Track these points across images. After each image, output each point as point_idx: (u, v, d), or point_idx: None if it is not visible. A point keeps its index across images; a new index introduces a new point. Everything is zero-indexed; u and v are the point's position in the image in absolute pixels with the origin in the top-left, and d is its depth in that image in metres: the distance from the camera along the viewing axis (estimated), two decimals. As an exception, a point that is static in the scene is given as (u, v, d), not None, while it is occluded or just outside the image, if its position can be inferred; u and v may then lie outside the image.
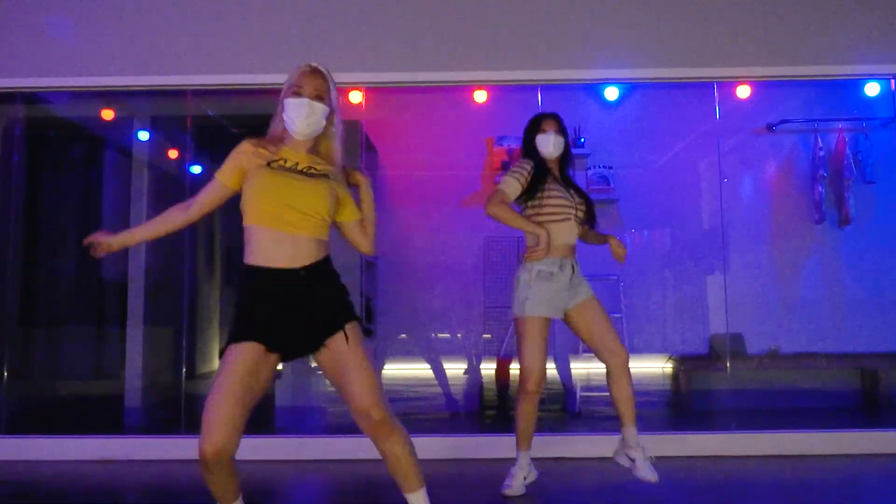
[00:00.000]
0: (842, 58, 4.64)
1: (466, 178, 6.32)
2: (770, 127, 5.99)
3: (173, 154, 6.25)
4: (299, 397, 5.38)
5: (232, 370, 2.22)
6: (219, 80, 4.60)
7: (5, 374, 4.77)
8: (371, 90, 5.06)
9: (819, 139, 5.81)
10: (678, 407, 5.68)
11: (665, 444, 4.19)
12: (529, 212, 3.40)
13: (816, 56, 4.66)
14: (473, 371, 5.99)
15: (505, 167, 5.89)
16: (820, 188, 5.81)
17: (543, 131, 3.43)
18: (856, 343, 5.67)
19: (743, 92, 5.20)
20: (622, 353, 3.32)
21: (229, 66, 4.58)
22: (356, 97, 5.37)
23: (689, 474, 3.81)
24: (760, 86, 5.10)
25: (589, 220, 3.52)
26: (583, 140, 6.01)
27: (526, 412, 3.33)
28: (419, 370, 5.91)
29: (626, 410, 3.32)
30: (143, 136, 6.00)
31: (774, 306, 5.94)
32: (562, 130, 3.47)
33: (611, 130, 5.95)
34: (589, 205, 3.51)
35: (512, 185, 3.33)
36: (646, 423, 5.15)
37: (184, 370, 5.39)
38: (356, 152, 5.43)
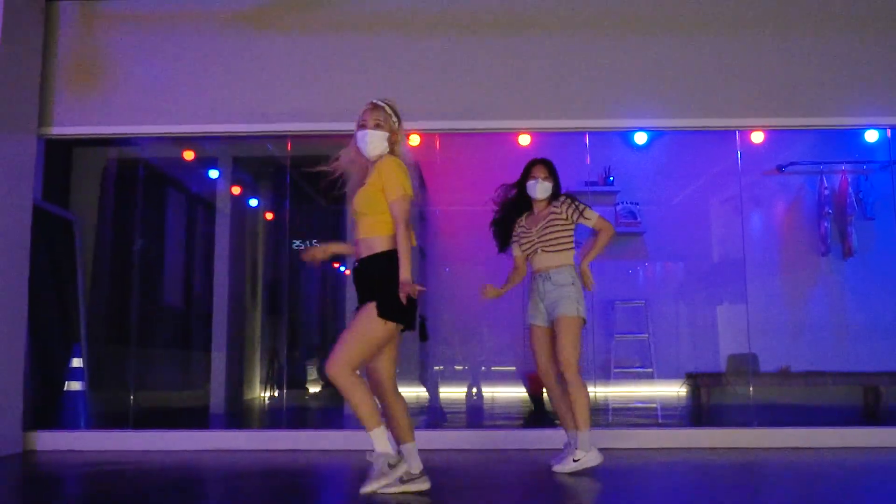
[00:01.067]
0: (846, 109, 5.32)
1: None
2: (780, 168, 6.69)
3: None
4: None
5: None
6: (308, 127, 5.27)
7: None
8: (426, 135, 5.78)
9: (824, 179, 6.51)
10: (699, 414, 6.31)
11: (692, 437, 4.82)
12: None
13: (823, 108, 5.32)
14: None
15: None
16: (825, 223, 6.49)
17: (533, 178, 3.99)
18: (859, 362, 6.29)
19: (757, 137, 5.90)
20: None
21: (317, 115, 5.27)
22: (414, 140, 6.10)
23: (709, 462, 4.41)
24: (773, 132, 5.80)
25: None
26: (612, 179, 6.71)
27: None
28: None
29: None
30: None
31: (785, 329, 6.59)
32: (551, 175, 4.02)
33: (638, 170, 6.65)
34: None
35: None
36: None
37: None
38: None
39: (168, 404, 6.72)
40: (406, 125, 3.38)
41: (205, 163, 6.54)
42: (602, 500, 3.36)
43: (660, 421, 5.99)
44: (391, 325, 3.04)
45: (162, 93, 5.26)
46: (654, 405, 6.10)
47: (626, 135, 6.41)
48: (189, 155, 6.51)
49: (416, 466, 3.14)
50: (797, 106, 5.32)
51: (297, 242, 8.05)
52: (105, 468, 4.12)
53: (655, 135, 6.27)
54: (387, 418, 3.15)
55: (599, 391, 6.56)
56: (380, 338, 3.05)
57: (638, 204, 6.74)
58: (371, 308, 3.02)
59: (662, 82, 5.30)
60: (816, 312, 6.63)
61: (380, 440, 3.03)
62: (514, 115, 5.41)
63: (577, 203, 3.97)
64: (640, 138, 6.22)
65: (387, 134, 3.17)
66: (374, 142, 3.14)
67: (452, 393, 6.69)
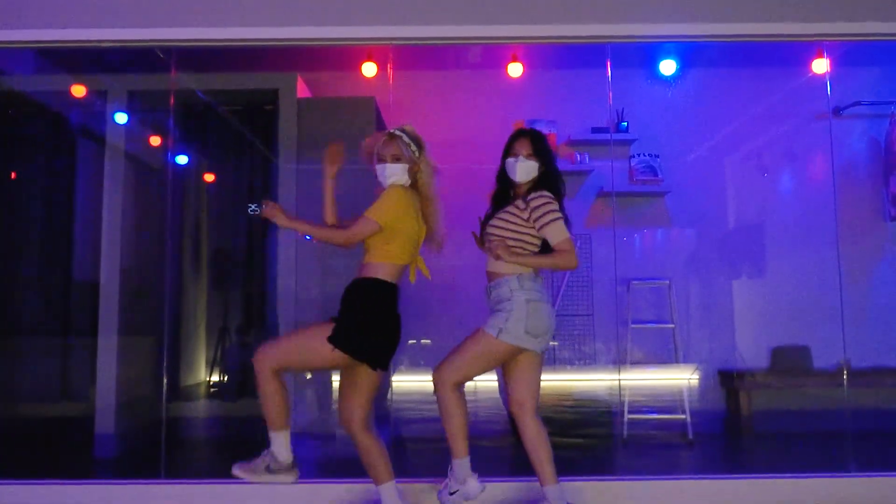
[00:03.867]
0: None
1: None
2: (838, 111, 5.28)
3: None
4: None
5: None
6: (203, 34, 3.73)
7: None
8: (388, 60, 4.29)
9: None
10: (738, 432, 4.96)
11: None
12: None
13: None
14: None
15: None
16: (894, 178, 5.11)
17: (514, 155, 3.09)
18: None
19: (819, 67, 4.53)
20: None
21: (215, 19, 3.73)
22: (370, 70, 4.62)
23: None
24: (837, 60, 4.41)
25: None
26: (626, 124, 5.27)
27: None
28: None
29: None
30: (121, 118, 5.18)
31: (843, 315, 5.22)
32: (539, 152, 3.08)
33: (660, 113, 5.21)
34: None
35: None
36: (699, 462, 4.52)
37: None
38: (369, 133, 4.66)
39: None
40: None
41: (94, 98, 5.03)
42: None
43: (690, 438, 4.62)
44: (337, 353, 2.86)
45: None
46: (683, 416, 4.71)
47: (647, 63, 4.99)
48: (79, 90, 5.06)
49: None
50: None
51: (254, 206, 6.95)
52: None
53: (685, 64, 4.88)
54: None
55: (611, 390, 5.22)
56: (316, 359, 2.97)
57: (658, 157, 5.31)
58: (327, 327, 2.89)
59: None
60: (882, 293, 5.26)
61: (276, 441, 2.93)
62: (499, 19, 3.83)
63: (551, 208, 2.94)
64: (668, 67, 4.81)
65: (406, 166, 2.99)
66: (393, 175, 2.98)
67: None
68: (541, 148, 3.10)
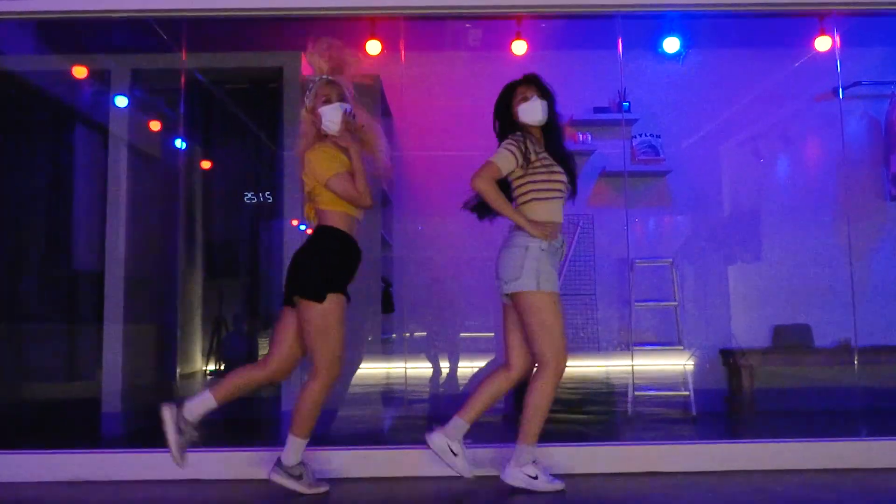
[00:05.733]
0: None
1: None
2: (837, 91, 5.28)
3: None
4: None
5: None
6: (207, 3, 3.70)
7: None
8: (396, 39, 4.30)
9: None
10: (740, 409, 4.98)
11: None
12: (518, 186, 3.07)
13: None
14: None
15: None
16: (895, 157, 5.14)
17: (525, 99, 3.08)
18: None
19: (822, 44, 4.56)
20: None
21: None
22: (374, 48, 4.61)
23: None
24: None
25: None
26: (627, 104, 5.28)
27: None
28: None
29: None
30: (121, 101, 5.14)
31: (844, 294, 5.24)
32: (545, 94, 3.12)
33: (662, 93, 5.22)
34: (574, 181, 3.17)
35: (505, 159, 2.99)
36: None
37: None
38: (373, 112, 4.64)
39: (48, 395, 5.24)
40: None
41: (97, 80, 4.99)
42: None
43: (694, 414, 4.64)
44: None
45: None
46: (686, 393, 4.73)
47: (651, 43, 4.99)
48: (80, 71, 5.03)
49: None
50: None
51: (250, 195, 6.87)
52: None
53: (688, 44, 4.89)
54: None
55: (614, 371, 5.24)
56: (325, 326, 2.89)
57: (660, 137, 5.32)
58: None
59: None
60: (883, 272, 5.29)
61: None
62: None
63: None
64: (671, 45, 4.82)
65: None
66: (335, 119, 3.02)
67: (421, 370, 5.29)
68: (548, 89, 3.13)
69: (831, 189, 5.39)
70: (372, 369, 5.35)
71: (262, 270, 6.81)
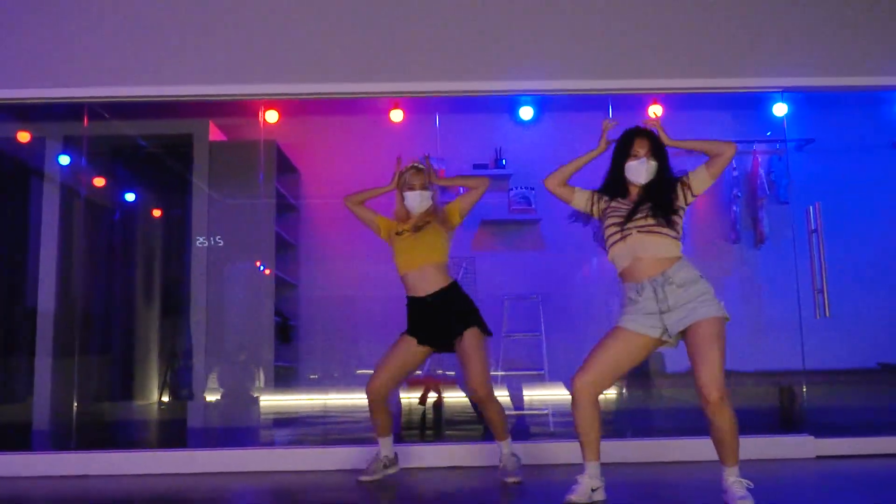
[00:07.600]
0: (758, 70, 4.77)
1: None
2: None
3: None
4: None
5: (396, 349, 3.73)
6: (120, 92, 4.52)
7: None
8: (289, 108, 5.08)
9: (732, 161, 5.89)
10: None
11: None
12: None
13: (723, 68, 4.75)
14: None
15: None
16: (735, 208, 5.90)
17: (635, 156, 3.07)
18: (774, 360, 5.69)
19: (656, 111, 5.34)
20: (709, 392, 2.81)
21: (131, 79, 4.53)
22: (272, 116, 5.39)
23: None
24: (676, 106, 5.22)
25: (666, 214, 3.07)
26: (504, 161, 6.06)
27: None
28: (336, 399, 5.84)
29: (720, 451, 2.90)
30: (63, 160, 5.87)
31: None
32: (657, 152, 3.08)
33: (530, 151, 6.00)
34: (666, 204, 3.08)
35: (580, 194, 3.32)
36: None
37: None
38: (270, 173, 5.43)
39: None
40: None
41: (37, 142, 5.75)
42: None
43: (552, 430, 5.31)
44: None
45: None
46: (546, 411, 5.41)
47: (511, 109, 5.80)
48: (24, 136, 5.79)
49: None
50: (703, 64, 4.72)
51: (201, 239, 7.49)
52: None
53: (542, 108, 5.68)
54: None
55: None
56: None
57: (533, 189, 6.09)
58: (472, 333, 3.64)
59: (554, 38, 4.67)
60: (728, 306, 5.98)
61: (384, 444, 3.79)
62: (377, 78, 4.65)
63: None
64: (526, 113, 5.62)
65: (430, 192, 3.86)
66: (425, 202, 3.83)
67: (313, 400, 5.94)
68: (660, 145, 3.07)
69: (686, 233, 6.13)
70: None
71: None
